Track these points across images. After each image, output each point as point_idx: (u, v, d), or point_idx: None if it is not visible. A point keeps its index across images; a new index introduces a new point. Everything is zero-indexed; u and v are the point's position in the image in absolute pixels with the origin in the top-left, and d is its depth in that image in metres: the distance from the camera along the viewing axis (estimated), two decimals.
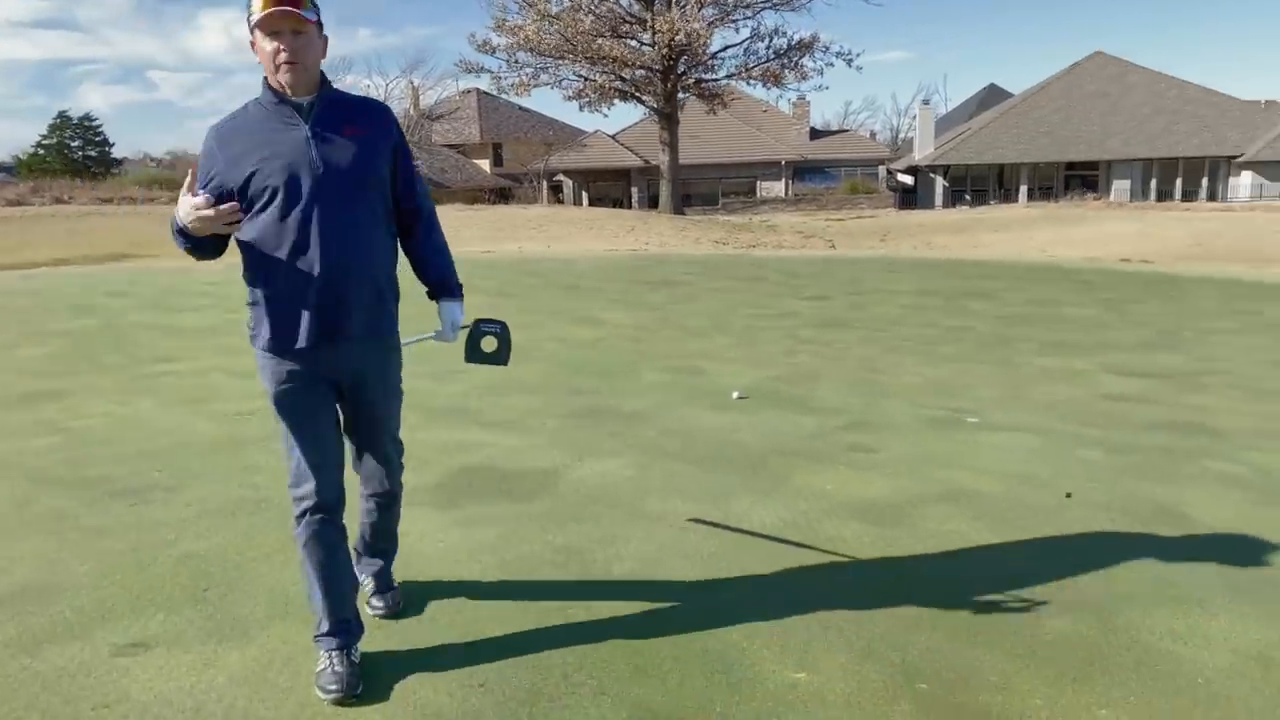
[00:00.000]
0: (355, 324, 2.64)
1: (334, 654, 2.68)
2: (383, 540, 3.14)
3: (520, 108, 63.13)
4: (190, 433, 5.40)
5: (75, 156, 60.13)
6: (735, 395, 5.93)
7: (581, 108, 34.72)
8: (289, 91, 2.56)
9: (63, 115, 61.50)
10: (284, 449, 2.71)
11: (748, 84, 34.05)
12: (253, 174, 2.53)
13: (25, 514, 4.11)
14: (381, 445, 2.91)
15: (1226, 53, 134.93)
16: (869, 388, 6.16)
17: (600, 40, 30.91)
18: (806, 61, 33.31)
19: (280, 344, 2.63)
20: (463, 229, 22.24)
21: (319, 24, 2.56)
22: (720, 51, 33.22)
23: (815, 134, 57.73)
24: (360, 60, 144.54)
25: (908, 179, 58.00)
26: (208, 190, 2.52)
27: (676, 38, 29.86)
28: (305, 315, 2.58)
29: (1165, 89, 55.02)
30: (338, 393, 2.74)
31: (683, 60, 32.21)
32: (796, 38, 33.14)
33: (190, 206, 2.48)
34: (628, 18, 32.16)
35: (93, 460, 4.88)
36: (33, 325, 9.19)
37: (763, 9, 31.40)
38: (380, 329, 2.72)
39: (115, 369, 7.21)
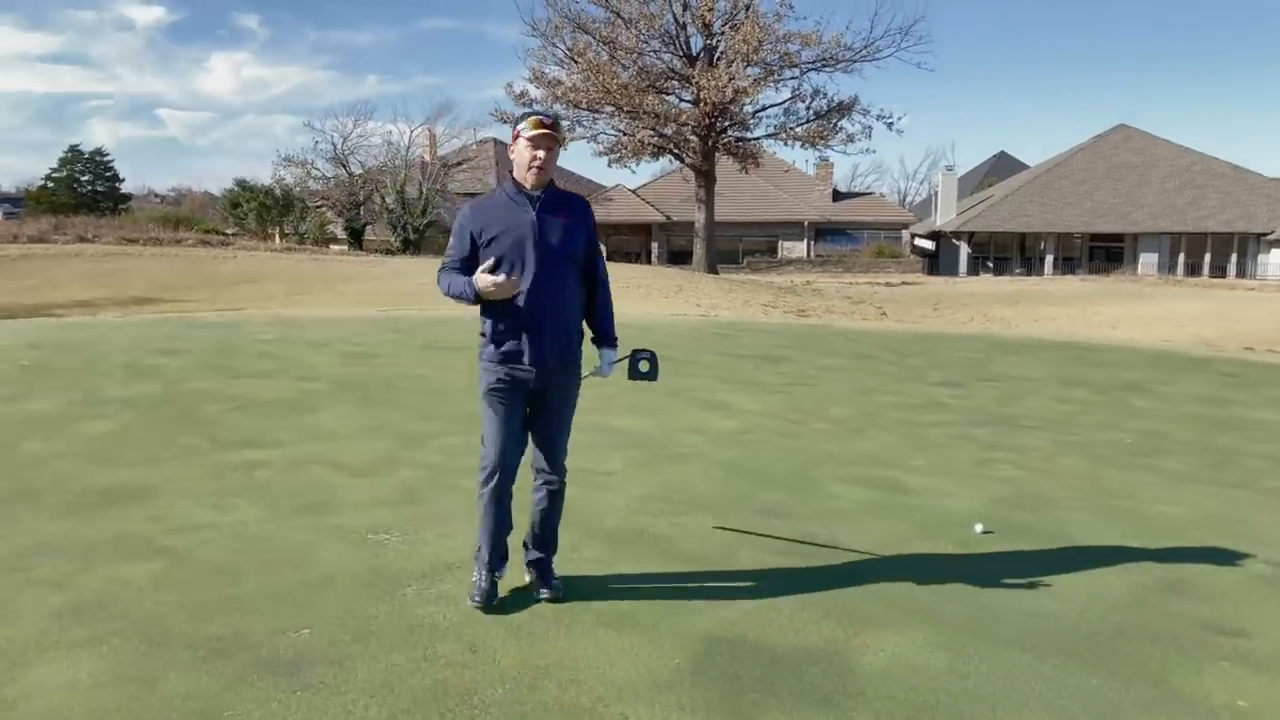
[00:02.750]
0: (553, 353, 3.69)
1: (483, 572, 3.85)
2: (547, 533, 3.96)
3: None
4: (324, 562, 4.29)
5: (84, 191, 59.47)
6: (979, 529, 4.84)
7: (611, 163, 34.12)
8: (529, 187, 3.61)
9: (74, 149, 60.95)
10: (485, 432, 3.82)
11: (786, 145, 33.38)
12: (494, 237, 3.61)
13: (155, 705, 3.00)
14: (556, 439, 3.86)
15: (1240, 129, 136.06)
16: (1128, 522, 5.08)
17: (640, 94, 30.28)
18: (845, 123, 32.71)
19: (504, 361, 3.68)
20: None
21: (562, 144, 3.63)
22: (760, 111, 32.64)
23: (838, 195, 57.27)
24: (385, 105, 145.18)
25: (928, 244, 57.50)
26: (458, 245, 3.70)
27: (724, 95, 29.23)
28: (521, 344, 3.65)
29: (1191, 163, 54.76)
30: (530, 400, 3.75)
31: (723, 118, 31.59)
32: (836, 99, 32.57)
33: (491, 283, 3.51)
34: (670, 73, 31.60)
35: (216, 606, 3.78)
36: (87, 391, 8.11)
37: (809, 69, 30.85)
38: (569, 358, 3.75)
39: (197, 456, 6.12)
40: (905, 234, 56.90)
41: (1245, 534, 4.92)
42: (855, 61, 30.41)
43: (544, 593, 3.89)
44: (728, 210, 48.63)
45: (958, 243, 53.81)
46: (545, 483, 3.91)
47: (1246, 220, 51.55)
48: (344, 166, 48.46)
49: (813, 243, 54.14)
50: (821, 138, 31.22)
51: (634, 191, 55.24)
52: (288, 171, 48.01)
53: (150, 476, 5.63)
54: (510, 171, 3.70)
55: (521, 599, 3.90)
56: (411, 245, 43.14)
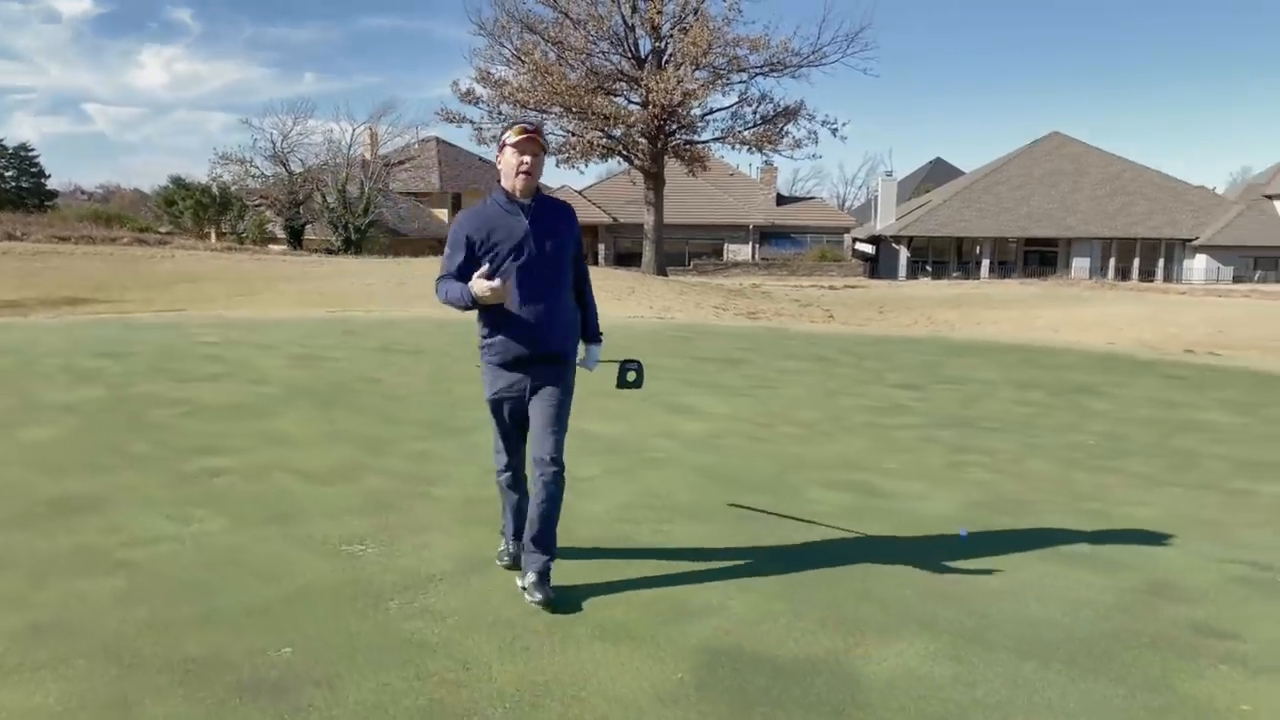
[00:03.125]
0: (551, 353, 3.89)
1: (510, 541, 4.23)
2: (546, 531, 3.93)
3: (481, 158, 62.30)
4: (298, 575, 4.11)
5: (8, 187, 57.23)
6: (962, 533, 4.83)
7: (559, 164, 33.95)
8: (518, 194, 3.78)
9: None
10: (493, 430, 4.11)
11: (733, 148, 33.52)
12: (491, 246, 3.76)
13: None
14: (554, 434, 3.91)
15: (1165, 138, 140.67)
16: (1103, 524, 5.12)
17: (588, 96, 30.14)
18: (791, 128, 32.95)
19: (503, 363, 3.89)
20: None
21: (546, 151, 3.87)
22: (708, 114, 32.72)
23: (781, 199, 57.84)
24: (326, 103, 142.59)
25: (869, 248, 58.35)
26: (455, 254, 3.83)
27: (672, 98, 29.22)
28: (518, 341, 3.83)
29: (1121, 171, 56.38)
30: (530, 393, 3.92)
31: (671, 121, 31.60)
32: (783, 104, 32.80)
33: (487, 288, 3.63)
34: (618, 75, 31.52)
35: (187, 624, 3.58)
36: (24, 396, 7.73)
37: (757, 74, 31.00)
38: (566, 357, 3.97)
39: (152, 464, 5.85)
40: (847, 238, 57.65)
41: (1217, 535, 4.99)
42: (803, 66, 30.70)
43: (537, 597, 3.82)
44: (674, 213, 48.72)
45: (898, 247, 54.68)
46: (541, 474, 3.92)
47: (1173, 226, 53.24)
48: (283, 165, 47.48)
49: (757, 246, 54.57)
50: (770, 142, 31.40)
51: (580, 193, 55.08)
52: (225, 169, 46.92)
53: (102, 486, 5.37)
54: (499, 181, 3.85)
55: (509, 611, 3.77)
56: (353, 245, 42.39)
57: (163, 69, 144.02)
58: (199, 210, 45.11)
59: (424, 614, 3.74)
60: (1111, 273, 52.53)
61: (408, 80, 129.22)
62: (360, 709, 3.01)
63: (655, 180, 32.36)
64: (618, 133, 31.36)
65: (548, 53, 31.21)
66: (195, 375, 8.91)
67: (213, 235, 44.78)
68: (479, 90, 31.45)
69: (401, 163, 51.45)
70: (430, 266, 26.49)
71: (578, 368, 4.09)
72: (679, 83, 28.94)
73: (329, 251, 39.21)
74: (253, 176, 47.61)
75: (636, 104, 31.52)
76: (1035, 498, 5.62)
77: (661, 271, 32.60)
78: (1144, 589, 4.15)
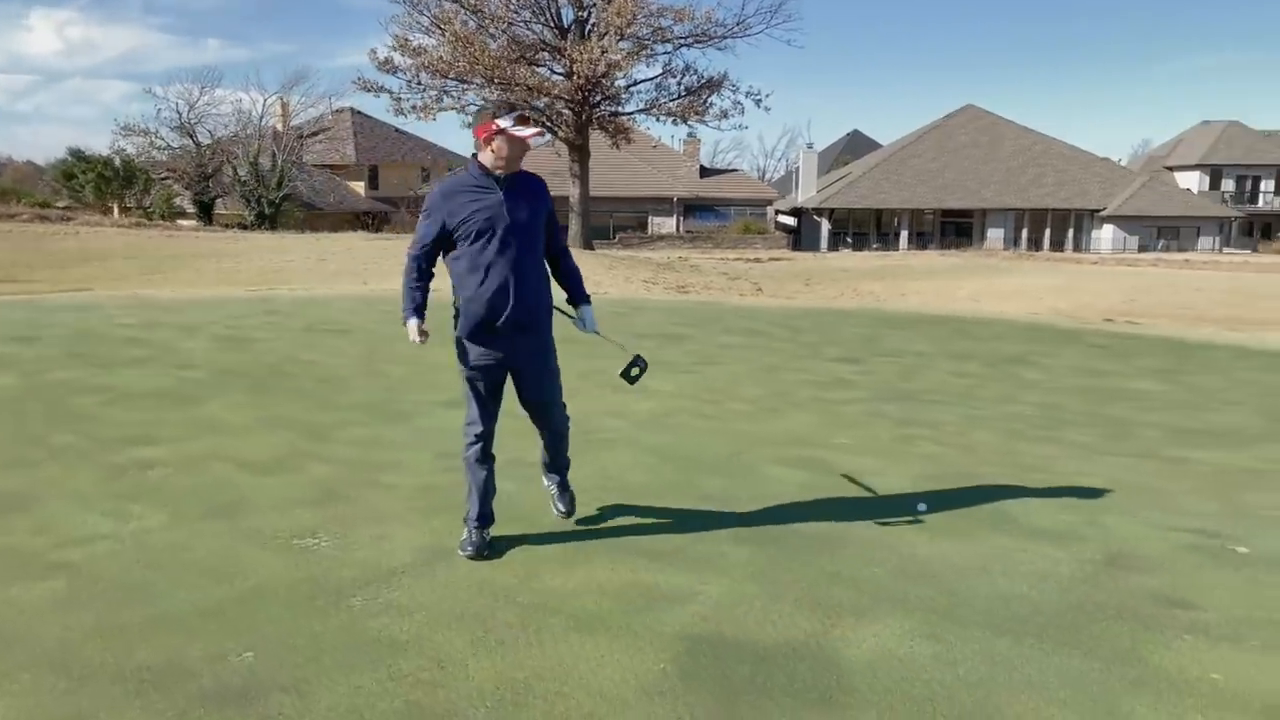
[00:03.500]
0: (527, 320, 3.98)
1: (474, 530, 4.17)
2: (558, 460, 4.50)
3: (397, 130, 60.93)
4: (250, 572, 3.93)
5: None
6: (921, 508, 4.87)
7: None
8: (495, 171, 3.87)
9: None
10: (466, 400, 4.20)
11: (659, 120, 33.31)
12: (465, 219, 3.86)
13: None
14: (548, 406, 4.28)
15: (1072, 110, 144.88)
16: (1053, 495, 5.22)
17: (511, 66, 29.59)
18: (715, 99, 32.88)
19: (475, 334, 3.99)
20: (380, 261, 20.48)
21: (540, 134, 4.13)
22: (632, 85, 32.45)
23: (705, 172, 57.87)
24: (234, 72, 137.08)
25: (791, 220, 58.90)
26: (427, 229, 3.95)
27: (597, 69, 28.87)
28: (494, 314, 3.92)
29: (1032, 143, 57.83)
30: (510, 372, 4.11)
31: (595, 92, 31.25)
32: (706, 76, 32.69)
33: (415, 335, 4.05)
34: (541, 45, 31.01)
35: (138, 630, 3.39)
36: None
37: (682, 45, 30.82)
38: (540, 327, 4.10)
39: (79, 457, 5.54)
40: (770, 210, 58.05)
41: (1162, 503, 5.13)
42: (727, 37, 30.62)
43: (560, 505, 4.49)
44: (598, 185, 48.28)
45: (819, 219, 55.29)
46: (550, 433, 4.42)
47: (1082, 198, 54.92)
48: (191, 136, 45.64)
49: (681, 218, 54.58)
50: (696, 113, 31.30)
51: None
52: (128, 141, 44.88)
53: (25, 482, 5.06)
54: (475, 155, 3.95)
55: (477, 604, 3.66)
56: (267, 219, 41.05)
57: (54, 34, 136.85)
58: (101, 184, 43.07)
59: (389, 610, 3.61)
60: (1024, 243, 54.00)
61: (320, 48, 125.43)
62: (334, 715, 2.88)
63: (580, 152, 32.02)
64: (541, 103, 30.87)
65: (468, 21, 30.50)
66: (116, 360, 8.48)
67: (115, 210, 42.84)
68: (397, 59, 30.64)
69: (315, 134, 49.92)
70: (352, 241, 25.82)
71: (575, 326, 4.34)
72: (603, 53, 28.61)
73: (242, 227, 37.91)
74: (158, 148, 45.69)
75: (560, 75, 31.08)
76: (984, 470, 5.70)
77: (588, 245, 32.35)
78: (1101, 560, 4.23)
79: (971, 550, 4.33)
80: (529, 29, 31.15)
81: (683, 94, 32.56)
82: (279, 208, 42.39)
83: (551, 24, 31.01)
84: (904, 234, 55.26)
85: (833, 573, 4.03)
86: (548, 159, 49.71)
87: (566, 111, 31.32)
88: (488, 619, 3.54)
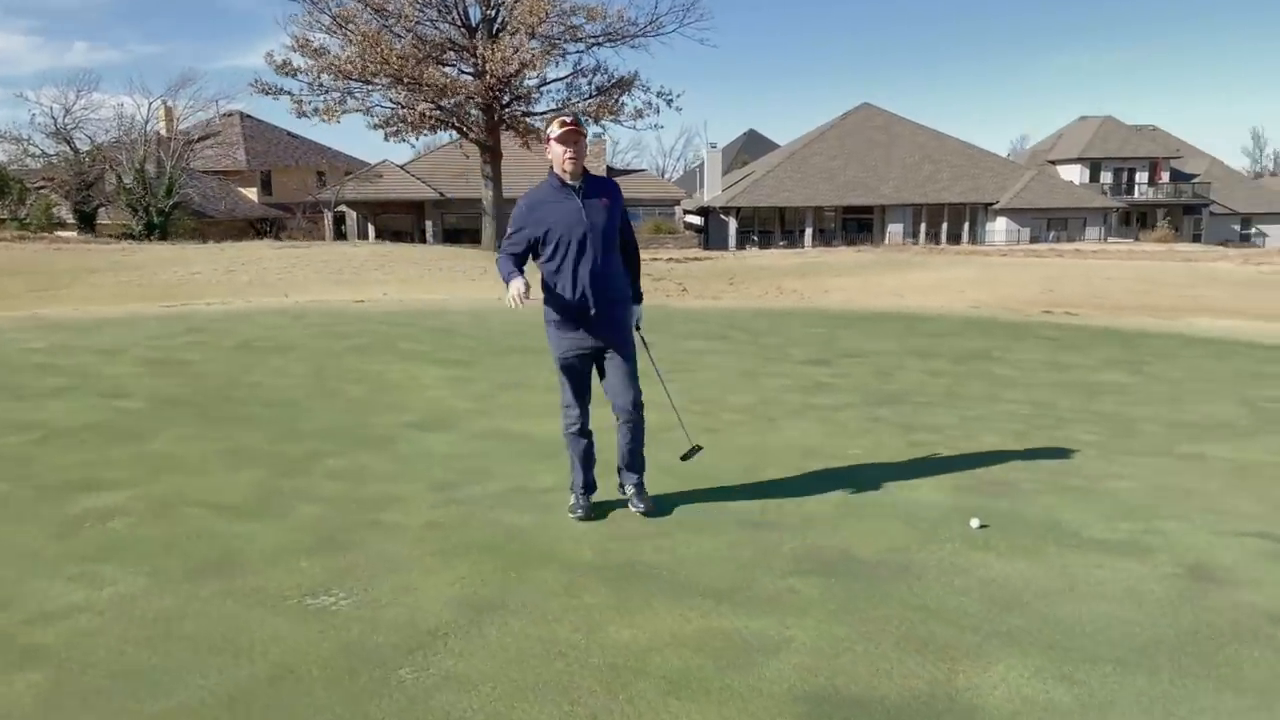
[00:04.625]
0: (609, 316, 4.53)
1: (580, 496, 4.76)
2: (634, 459, 4.79)
3: (290, 133, 58.94)
4: (268, 644, 3.39)
5: None
6: (976, 524, 4.60)
7: (387, 137, 32.13)
8: (568, 179, 4.41)
9: None
10: (564, 392, 4.70)
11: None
12: (549, 229, 4.41)
13: None
14: (629, 386, 4.62)
15: (964, 107, 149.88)
16: (1097, 501, 5.02)
17: (419, 66, 28.63)
18: (626, 100, 32.54)
19: (565, 326, 4.55)
20: (294, 271, 19.46)
21: (585, 137, 4.47)
22: (542, 85, 31.82)
23: (612, 172, 57.48)
24: (115, 76, 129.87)
25: (697, 219, 59.05)
26: (518, 238, 4.47)
27: (508, 68, 28.17)
28: (581, 308, 4.47)
29: (928, 140, 59.34)
30: (597, 358, 4.62)
31: (506, 92, 30.55)
32: (617, 75, 32.31)
33: (518, 290, 4.25)
34: (449, 44, 30.12)
35: None
36: None
37: (594, 44, 30.36)
38: (622, 316, 4.62)
39: (22, 509, 4.82)
40: (678, 210, 58.07)
41: (1208, 505, 4.97)
42: (640, 36, 30.29)
43: (637, 503, 4.81)
44: (506, 187, 47.52)
45: (726, 218, 55.58)
46: (627, 419, 4.69)
47: (976, 192, 56.61)
48: (68, 143, 43.02)
49: None
50: (611, 112, 30.86)
51: (403, 167, 52.88)
52: None
53: None
54: (551, 168, 4.46)
55: (550, 669, 3.20)
56: (156, 229, 38.87)
57: None
58: None
59: (450, 683, 3.12)
60: (923, 237, 55.38)
61: (199, 51, 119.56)
62: None
63: (492, 154, 31.23)
64: (449, 104, 29.99)
65: (371, 20, 29.39)
66: (33, 391, 7.62)
67: None
68: (297, 60, 29.30)
69: (204, 139, 47.62)
70: (260, 251, 24.53)
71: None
72: (515, 52, 27.93)
73: (130, 237, 35.79)
74: (32, 156, 42.96)
75: (469, 74, 30.26)
76: (1014, 476, 5.47)
77: None
78: (1185, 574, 4.02)
79: (1046, 569, 4.07)
80: (435, 28, 30.22)
81: (594, 93, 32.10)
82: (169, 216, 40.23)
83: (459, 23, 30.16)
84: (808, 231, 56.02)
85: (918, 605, 3.71)
86: (455, 161, 48.63)
87: (477, 112, 30.53)
88: (569, 687, 3.08)
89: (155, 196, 39.93)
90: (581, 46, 30.16)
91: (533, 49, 28.84)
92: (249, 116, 56.37)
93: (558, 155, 4.37)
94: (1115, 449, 6.15)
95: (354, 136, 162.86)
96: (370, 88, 30.19)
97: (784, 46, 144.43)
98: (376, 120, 30.96)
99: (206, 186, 47.95)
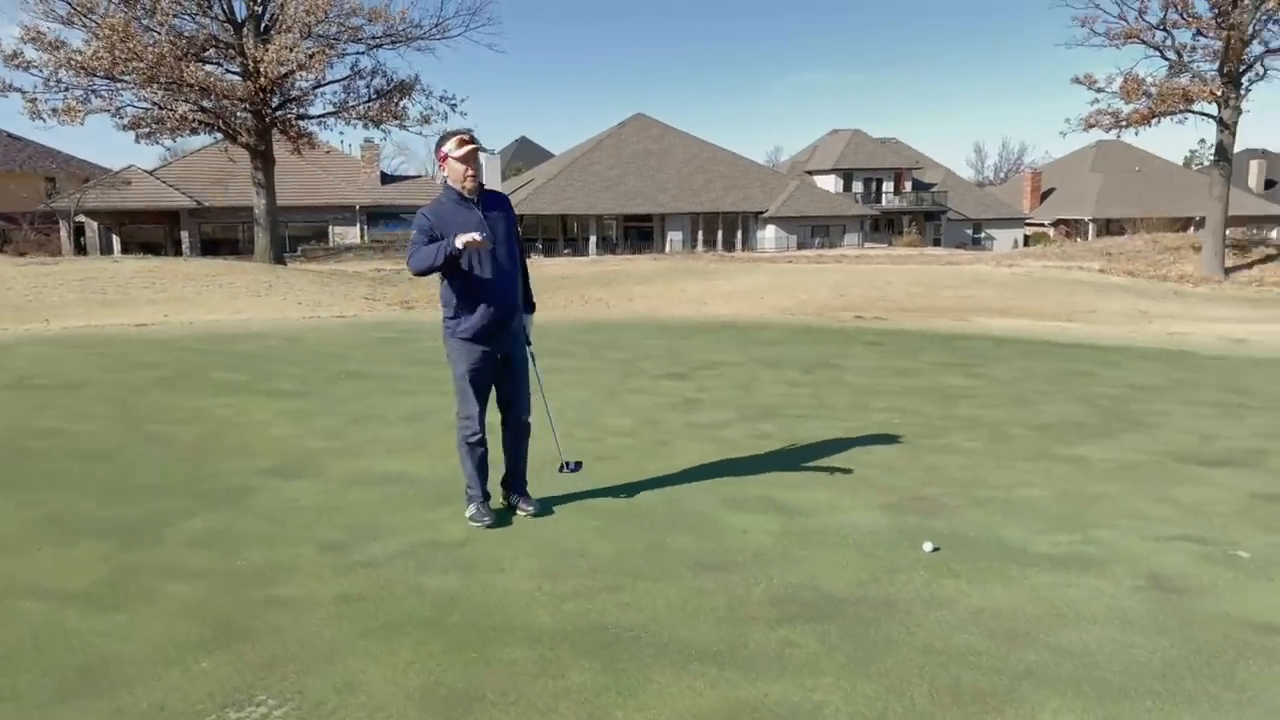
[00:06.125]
0: (511, 323, 4.74)
1: (479, 503, 4.84)
2: (523, 464, 5.01)
3: (11, 135, 52.64)
4: None
5: None
6: (929, 548, 4.49)
7: (139, 139, 29.13)
8: (468, 194, 4.59)
9: None
10: (464, 401, 4.74)
11: (349, 124, 30.99)
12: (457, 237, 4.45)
13: None
14: (522, 393, 4.86)
15: (710, 118, 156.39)
16: (1020, 513, 5.06)
17: (179, 64, 26.12)
18: (407, 103, 31.29)
19: (472, 337, 4.64)
20: (49, 293, 17.09)
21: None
22: (317, 87, 29.94)
23: (386, 178, 55.40)
24: None
25: None
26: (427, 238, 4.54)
27: (281, 69, 26.25)
28: (486, 318, 4.62)
29: (699, 151, 61.40)
30: (500, 363, 4.75)
31: (277, 94, 28.52)
32: (397, 78, 30.99)
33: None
34: (212, 41, 27.70)
35: None
36: None
37: (375, 46, 28.86)
38: (521, 325, 4.84)
39: None
40: None
41: (1122, 510, 5.12)
42: (424, 39, 29.11)
43: (529, 509, 4.96)
44: (278, 195, 44.69)
45: None
46: (521, 428, 4.92)
47: (748, 201, 59.14)
48: None
49: (365, 227, 51.87)
50: (395, 117, 29.47)
51: (152, 173, 48.48)
52: None
53: None
54: (448, 181, 4.62)
55: None
56: None
57: None
58: None
59: None
60: (700, 244, 57.18)
61: None
62: None
63: (264, 159, 28.96)
64: (210, 104, 27.56)
65: (116, 11, 26.48)
66: None
67: None
68: (30, 53, 25.92)
69: None
70: (39, 276, 21.34)
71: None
72: (291, 51, 26.06)
73: None
74: None
75: (236, 74, 27.96)
76: (931, 492, 5.45)
77: (279, 260, 29.46)
78: (1147, 587, 4.07)
79: (1023, 594, 3.99)
80: (195, 22, 27.71)
81: (373, 97, 30.62)
82: None
83: (222, 18, 27.82)
84: (592, 239, 56.41)
85: (924, 647, 3.50)
86: (213, 166, 45.04)
87: (245, 115, 28.28)
88: None
89: None
90: (361, 48, 28.64)
91: (308, 49, 27.06)
92: None
93: (458, 172, 4.54)
94: (1002, 455, 6.30)
95: (101, 138, 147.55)
96: (119, 86, 27.27)
97: (553, 54, 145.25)
98: (127, 121, 28.01)
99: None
